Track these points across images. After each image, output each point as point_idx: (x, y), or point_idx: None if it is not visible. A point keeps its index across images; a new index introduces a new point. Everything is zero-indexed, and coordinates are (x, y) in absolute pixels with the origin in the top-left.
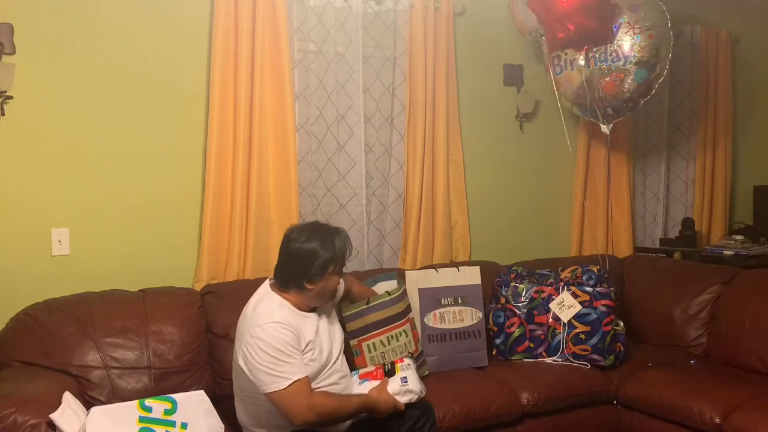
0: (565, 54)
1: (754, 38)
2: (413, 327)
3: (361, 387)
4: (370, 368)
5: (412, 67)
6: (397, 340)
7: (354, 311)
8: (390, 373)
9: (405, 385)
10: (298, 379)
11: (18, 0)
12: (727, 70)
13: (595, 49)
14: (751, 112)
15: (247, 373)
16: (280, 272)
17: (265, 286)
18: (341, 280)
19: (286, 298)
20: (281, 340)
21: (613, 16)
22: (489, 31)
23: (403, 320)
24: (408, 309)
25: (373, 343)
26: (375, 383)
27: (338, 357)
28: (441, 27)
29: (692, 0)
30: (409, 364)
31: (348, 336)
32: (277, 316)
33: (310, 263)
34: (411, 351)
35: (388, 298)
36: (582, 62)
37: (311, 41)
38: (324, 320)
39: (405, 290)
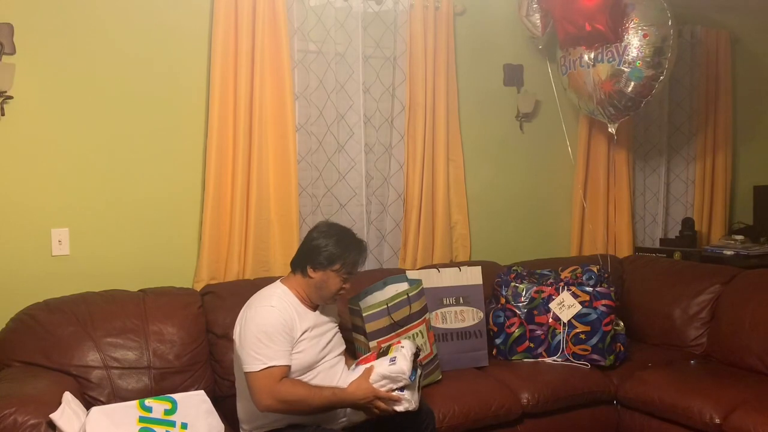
0: (572, 52)
1: (754, 38)
2: (429, 328)
3: (354, 373)
4: (369, 353)
5: (412, 67)
6: (414, 341)
7: (374, 311)
8: (383, 354)
9: (393, 365)
10: (274, 366)
11: (18, 0)
12: (727, 70)
13: (600, 48)
14: (752, 112)
15: (237, 351)
16: (295, 256)
17: (279, 280)
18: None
19: (293, 289)
20: (270, 324)
21: (623, 15)
22: (489, 31)
23: (420, 320)
24: (425, 309)
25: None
26: (364, 367)
27: (329, 362)
28: (441, 27)
29: (692, 0)
30: (403, 346)
31: (368, 337)
32: (274, 301)
33: (319, 251)
34: (426, 353)
35: (406, 297)
36: (590, 60)
37: (311, 41)
38: (325, 324)
39: (422, 290)
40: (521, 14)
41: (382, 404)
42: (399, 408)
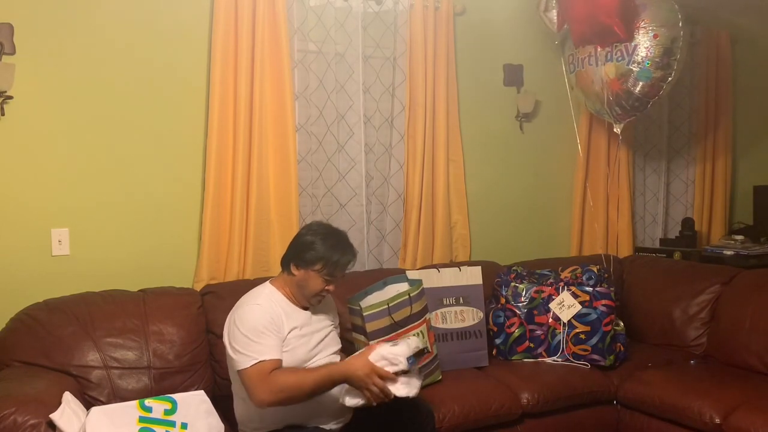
0: (581, 50)
1: (754, 38)
2: (429, 328)
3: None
4: (377, 342)
5: (412, 67)
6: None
7: (375, 311)
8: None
9: (394, 347)
10: (264, 360)
11: (18, 0)
12: (727, 70)
13: (610, 47)
14: (752, 112)
15: (228, 352)
16: (284, 253)
17: (269, 281)
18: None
19: (280, 288)
20: (257, 321)
21: (635, 14)
22: (489, 31)
23: (420, 320)
24: (425, 309)
25: None
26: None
27: (320, 362)
28: (441, 27)
29: (692, 0)
30: (410, 338)
31: (368, 337)
32: (260, 300)
33: (304, 249)
34: (426, 354)
35: (407, 297)
36: (598, 58)
37: (311, 41)
38: (316, 324)
39: (423, 290)
40: (540, 9)
41: (379, 381)
42: (398, 393)
